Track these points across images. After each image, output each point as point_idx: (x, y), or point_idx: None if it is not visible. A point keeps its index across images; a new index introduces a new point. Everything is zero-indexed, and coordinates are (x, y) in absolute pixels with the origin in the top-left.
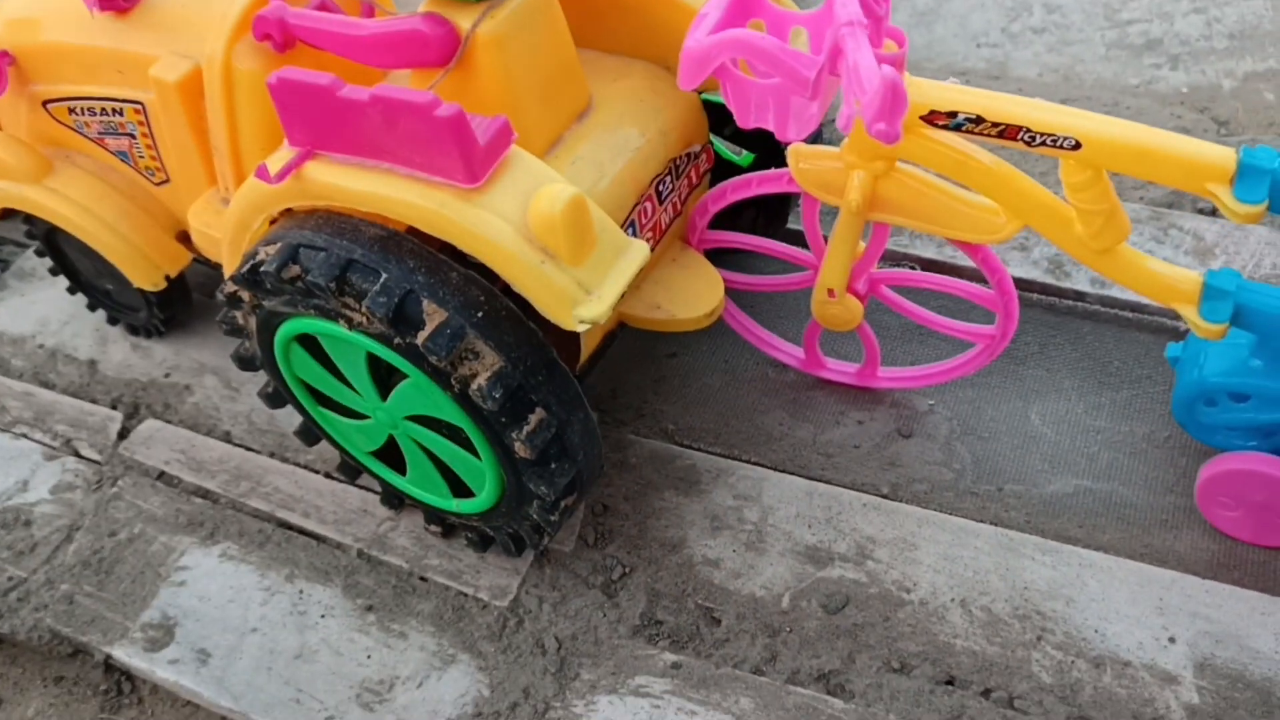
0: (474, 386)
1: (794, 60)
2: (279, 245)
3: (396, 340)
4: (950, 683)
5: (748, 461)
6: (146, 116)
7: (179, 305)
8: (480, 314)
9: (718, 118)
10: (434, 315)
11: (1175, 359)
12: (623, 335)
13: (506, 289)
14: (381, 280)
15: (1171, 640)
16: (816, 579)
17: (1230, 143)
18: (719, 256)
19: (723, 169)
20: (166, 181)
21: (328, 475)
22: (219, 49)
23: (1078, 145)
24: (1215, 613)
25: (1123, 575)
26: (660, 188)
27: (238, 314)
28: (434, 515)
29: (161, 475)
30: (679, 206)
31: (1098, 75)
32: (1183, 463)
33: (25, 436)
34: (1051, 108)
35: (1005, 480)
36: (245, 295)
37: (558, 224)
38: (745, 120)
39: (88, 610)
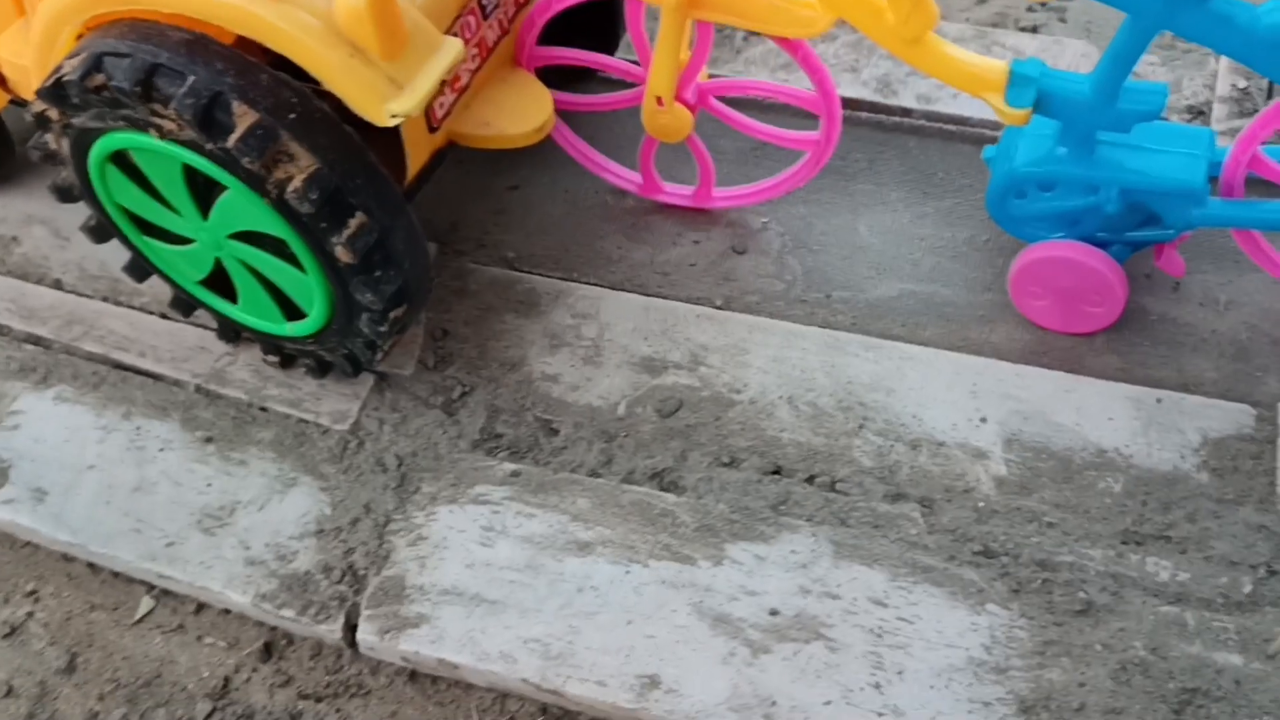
0: (290, 189)
1: None
2: (83, 55)
3: (209, 146)
4: (777, 472)
5: (586, 283)
6: None
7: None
8: (293, 115)
9: None
10: (245, 117)
11: (990, 159)
12: (463, 169)
13: (322, 94)
14: (189, 82)
15: (983, 420)
16: (651, 386)
17: None
18: (555, 85)
19: None
20: None
21: (163, 315)
22: None
23: None
24: (1024, 393)
25: (940, 365)
26: (484, 1)
27: (49, 137)
28: (271, 345)
29: None
30: (505, 25)
31: None
32: (999, 263)
33: None
34: None
35: (833, 288)
36: (53, 113)
37: (364, 16)
38: None
39: None
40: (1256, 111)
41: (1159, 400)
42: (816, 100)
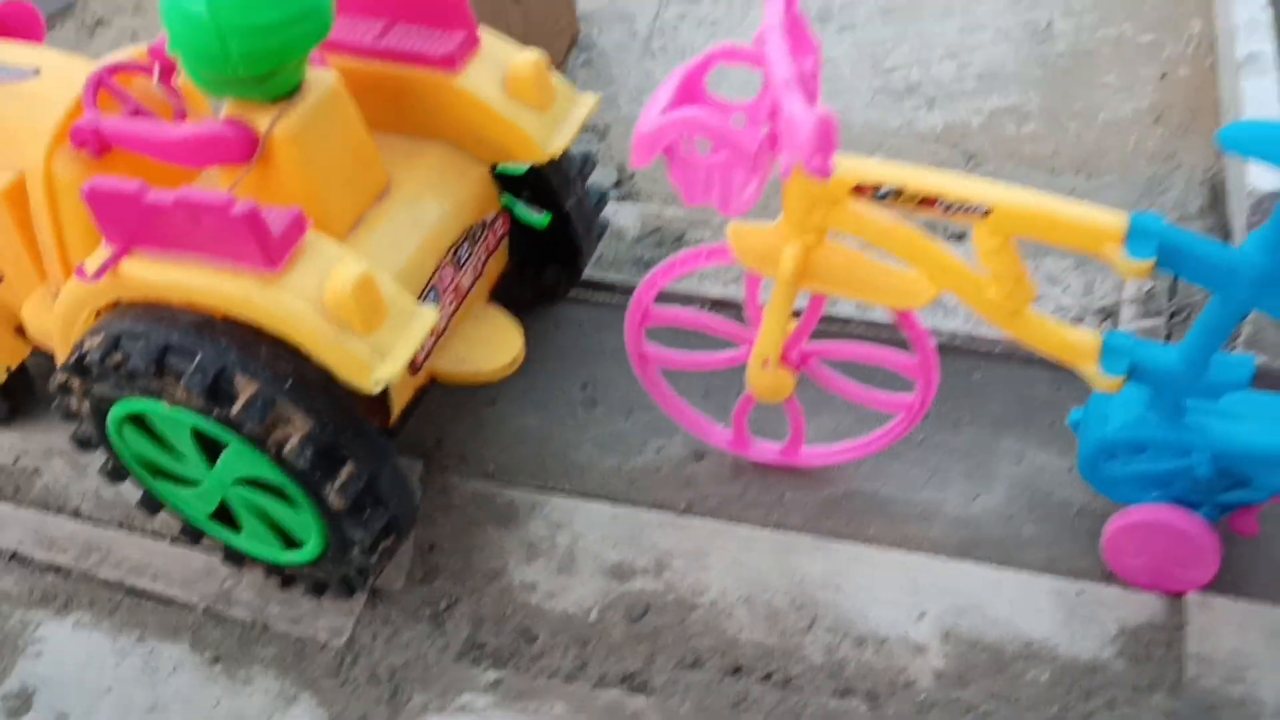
0: (288, 448)
1: (738, 136)
2: (102, 336)
3: (215, 413)
4: (737, 671)
5: (561, 492)
6: None
7: (22, 395)
8: (289, 383)
9: (515, 184)
10: (246, 388)
11: (1076, 422)
12: (445, 390)
13: None
14: (197, 360)
15: (922, 615)
16: (621, 592)
17: (979, 172)
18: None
19: (520, 230)
20: (0, 280)
21: (173, 540)
22: (39, 159)
23: (988, 212)
24: (959, 587)
25: (883, 562)
26: (458, 254)
27: (70, 400)
28: (272, 568)
29: (14, 556)
30: (479, 269)
31: (865, 120)
32: (934, 460)
33: None
34: (963, 180)
35: (786, 489)
36: (75, 383)
37: (349, 300)
38: (692, 197)
39: None
40: (1161, 313)
41: (1079, 592)
42: (915, 365)
